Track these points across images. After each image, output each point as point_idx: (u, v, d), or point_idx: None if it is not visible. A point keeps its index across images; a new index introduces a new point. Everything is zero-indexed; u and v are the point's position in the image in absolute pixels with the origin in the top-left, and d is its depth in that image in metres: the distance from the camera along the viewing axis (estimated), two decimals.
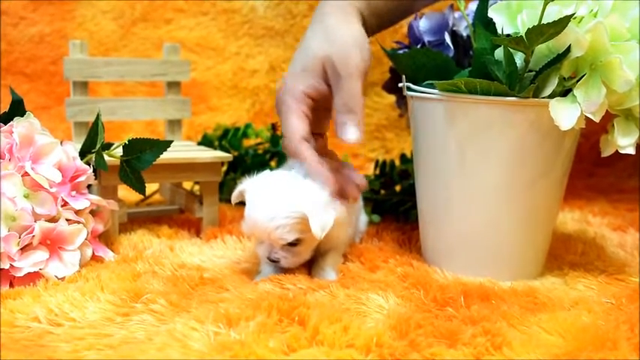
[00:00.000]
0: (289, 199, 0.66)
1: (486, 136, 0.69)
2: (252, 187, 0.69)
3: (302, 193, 0.67)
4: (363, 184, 0.74)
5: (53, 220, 0.68)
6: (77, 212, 0.70)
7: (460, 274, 0.73)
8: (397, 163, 1.05)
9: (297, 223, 0.66)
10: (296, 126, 0.73)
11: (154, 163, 0.75)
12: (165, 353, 0.50)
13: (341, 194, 0.71)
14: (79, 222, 0.70)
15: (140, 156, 0.75)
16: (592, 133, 0.95)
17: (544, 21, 0.63)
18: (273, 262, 0.69)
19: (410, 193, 0.92)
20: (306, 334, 0.53)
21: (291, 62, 0.77)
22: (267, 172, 0.72)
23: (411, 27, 0.84)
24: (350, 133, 0.71)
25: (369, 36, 0.81)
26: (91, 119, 0.77)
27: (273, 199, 0.67)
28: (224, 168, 1.06)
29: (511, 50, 0.66)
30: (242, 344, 0.51)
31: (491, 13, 0.68)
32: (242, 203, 0.71)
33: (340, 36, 0.73)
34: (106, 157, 0.75)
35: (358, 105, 0.72)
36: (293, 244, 0.68)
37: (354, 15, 0.77)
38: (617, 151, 0.67)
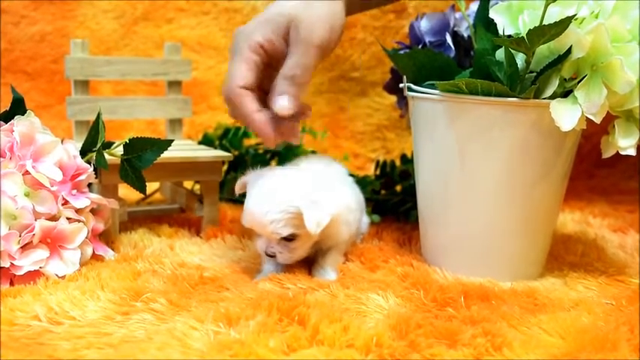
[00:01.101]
0: (285, 193, 0.67)
1: (487, 136, 0.69)
2: (253, 179, 0.70)
3: (299, 188, 0.67)
4: (297, 137, 0.72)
5: (54, 218, 0.68)
6: (78, 211, 0.70)
7: (460, 275, 0.73)
8: (398, 163, 1.05)
9: (292, 218, 0.66)
10: (242, 72, 0.70)
11: (154, 162, 0.75)
12: (165, 352, 0.50)
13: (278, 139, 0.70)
14: (79, 221, 0.70)
15: (141, 155, 0.75)
16: (593, 134, 0.95)
17: (545, 22, 0.62)
18: (270, 256, 0.70)
19: (410, 193, 0.92)
20: (306, 334, 0.53)
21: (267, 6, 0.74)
22: (271, 167, 0.72)
23: (412, 27, 0.84)
24: (281, 103, 0.68)
25: (357, 11, 0.78)
26: (92, 118, 0.77)
27: (270, 193, 0.67)
28: (224, 167, 1.06)
29: (512, 51, 0.66)
30: (242, 343, 0.51)
31: (493, 14, 0.68)
32: (243, 202, 0.71)
33: (318, 6, 0.70)
34: (107, 156, 0.75)
35: (304, 78, 0.70)
36: (289, 239, 0.68)
37: None
38: (617, 152, 0.67)
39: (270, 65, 0.72)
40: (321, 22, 0.70)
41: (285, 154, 1.05)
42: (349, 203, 0.74)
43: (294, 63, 0.69)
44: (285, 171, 0.71)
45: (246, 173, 0.72)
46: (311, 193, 0.67)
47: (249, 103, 0.69)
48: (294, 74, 0.69)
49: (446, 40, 0.80)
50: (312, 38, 0.69)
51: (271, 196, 0.67)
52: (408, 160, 1.03)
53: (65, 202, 0.69)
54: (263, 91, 0.72)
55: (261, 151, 1.08)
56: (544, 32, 0.62)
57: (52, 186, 0.68)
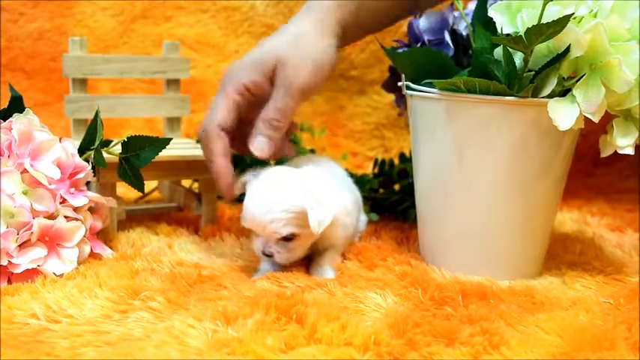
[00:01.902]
0: (287, 193, 0.67)
1: (485, 135, 0.69)
2: (252, 179, 0.70)
3: (301, 187, 0.67)
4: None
5: (52, 216, 0.68)
6: (76, 209, 0.70)
7: (458, 273, 0.73)
8: (396, 161, 1.05)
9: (293, 217, 0.66)
10: (221, 113, 0.71)
11: (152, 160, 0.75)
12: (162, 350, 0.51)
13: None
14: (77, 219, 0.70)
15: (139, 153, 0.75)
16: (591, 132, 0.95)
17: (544, 21, 0.62)
18: (267, 256, 0.70)
19: (409, 192, 0.92)
20: (303, 332, 0.53)
21: (258, 44, 0.74)
22: (270, 166, 0.72)
23: (410, 26, 0.84)
24: (261, 147, 0.70)
25: (358, 39, 0.79)
26: (90, 116, 0.77)
27: (270, 192, 0.67)
28: None
29: (510, 50, 0.66)
30: (240, 342, 0.51)
31: (491, 13, 0.68)
32: (242, 201, 0.71)
33: (308, 44, 0.71)
34: (105, 155, 0.75)
35: (283, 123, 0.71)
36: (288, 239, 0.68)
37: (333, 29, 0.74)
38: (616, 151, 0.67)
39: (256, 104, 0.73)
40: (308, 63, 0.70)
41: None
42: (347, 205, 0.74)
43: (274, 107, 0.70)
44: (285, 171, 0.71)
45: (245, 174, 0.72)
46: (314, 193, 0.67)
47: (219, 145, 0.70)
48: (272, 118, 0.70)
49: (445, 38, 0.80)
50: (295, 82, 0.70)
51: (271, 196, 0.67)
52: (406, 159, 1.03)
53: (63, 201, 0.69)
54: (250, 126, 0.73)
55: None
56: (542, 31, 0.62)
57: (50, 184, 0.68)
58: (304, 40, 0.71)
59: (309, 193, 0.67)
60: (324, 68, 0.72)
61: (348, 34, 0.78)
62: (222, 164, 0.71)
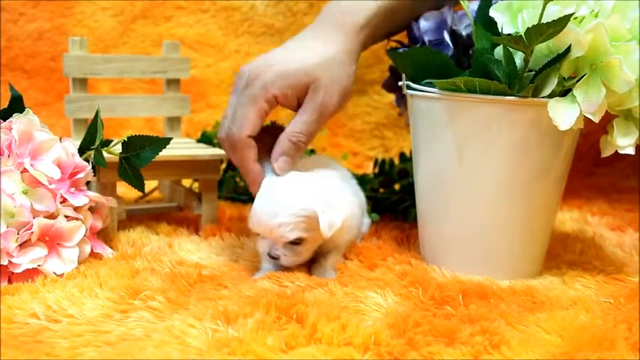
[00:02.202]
0: (295, 197, 0.67)
1: (485, 135, 0.69)
2: (265, 182, 0.70)
3: (310, 191, 0.67)
4: None
5: (52, 216, 0.68)
6: (76, 209, 0.70)
7: (458, 273, 0.73)
8: (396, 161, 1.05)
9: (302, 221, 0.66)
10: (251, 122, 0.72)
11: (153, 160, 0.75)
12: (163, 350, 0.50)
13: None
14: (77, 219, 0.70)
15: (139, 153, 0.75)
16: (591, 132, 0.95)
17: (544, 21, 0.62)
18: (273, 258, 0.69)
19: (409, 191, 0.92)
20: (304, 332, 0.53)
21: (286, 52, 0.75)
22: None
23: (410, 26, 0.84)
24: (283, 166, 0.71)
25: (374, 43, 0.81)
26: (91, 116, 0.77)
27: (279, 196, 0.67)
28: (223, 166, 1.06)
29: (511, 49, 0.66)
30: (240, 341, 0.51)
31: (493, 13, 0.68)
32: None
33: (338, 70, 0.73)
34: (105, 154, 0.75)
35: (307, 144, 0.73)
36: (296, 242, 0.68)
37: (357, 53, 0.77)
38: (616, 151, 0.67)
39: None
40: (339, 90, 0.72)
41: None
42: (353, 208, 0.74)
43: (303, 128, 0.72)
44: (293, 174, 0.71)
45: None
46: (324, 196, 0.67)
47: (251, 155, 0.72)
48: (300, 140, 0.72)
49: (444, 38, 0.80)
50: (329, 106, 0.72)
51: (280, 200, 0.67)
52: (406, 159, 1.03)
53: (63, 200, 0.69)
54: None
55: None
56: (542, 31, 0.62)
57: (50, 184, 0.68)
58: (335, 65, 0.73)
59: (319, 197, 0.67)
60: (349, 94, 0.75)
61: (372, 36, 0.80)
62: (255, 170, 0.72)
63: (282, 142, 0.72)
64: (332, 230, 0.66)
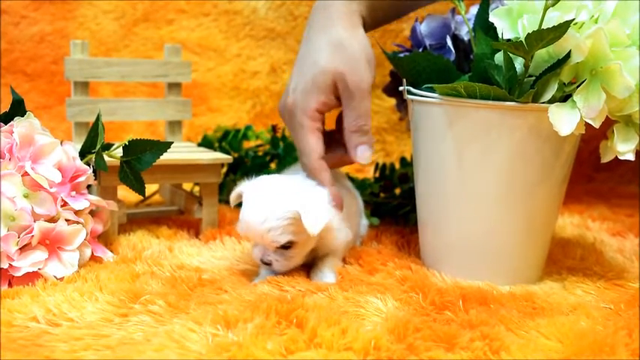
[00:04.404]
0: (281, 200, 0.67)
1: (486, 140, 0.69)
2: (248, 189, 0.70)
3: (294, 193, 0.68)
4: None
5: (52, 220, 0.68)
6: (76, 212, 0.70)
7: (459, 278, 0.73)
8: (397, 166, 1.05)
9: (290, 224, 0.66)
10: (313, 145, 0.74)
11: (153, 164, 0.75)
12: (162, 354, 0.50)
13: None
14: (78, 222, 0.70)
15: (140, 157, 0.75)
16: (592, 137, 0.95)
17: (544, 26, 0.63)
18: (266, 264, 0.70)
19: (409, 196, 0.92)
20: (304, 337, 0.53)
21: (296, 71, 0.76)
22: (266, 175, 0.72)
23: (413, 30, 0.84)
24: (366, 155, 0.73)
25: (372, 28, 0.80)
26: (92, 119, 0.77)
27: (266, 201, 0.67)
28: (224, 169, 1.06)
29: (511, 55, 0.66)
30: (240, 346, 0.51)
31: (492, 18, 0.68)
32: (241, 205, 0.71)
33: (351, 51, 0.73)
34: (106, 158, 0.75)
35: (369, 124, 0.73)
36: (286, 247, 0.68)
37: (359, 21, 0.76)
38: (616, 156, 0.67)
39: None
40: (361, 66, 0.73)
41: (285, 157, 1.05)
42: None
43: (355, 115, 0.73)
44: (281, 179, 0.71)
45: (240, 184, 0.72)
46: (307, 197, 0.67)
47: (327, 176, 0.73)
48: (361, 125, 0.73)
49: (446, 43, 0.81)
50: (362, 88, 0.72)
51: (267, 204, 0.67)
52: (407, 163, 1.03)
53: (64, 204, 0.69)
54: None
55: (260, 154, 1.08)
56: (542, 36, 0.62)
57: (51, 187, 0.68)
58: (345, 47, 0.73)
59: (303, 197, 0.67)
60: (371, 59, 0.74)
61: (366, 23, 0.80)
62: (336, 194, 0.73)
63: (349, 137, 0.74)
64: (317, 228, 0.66)
